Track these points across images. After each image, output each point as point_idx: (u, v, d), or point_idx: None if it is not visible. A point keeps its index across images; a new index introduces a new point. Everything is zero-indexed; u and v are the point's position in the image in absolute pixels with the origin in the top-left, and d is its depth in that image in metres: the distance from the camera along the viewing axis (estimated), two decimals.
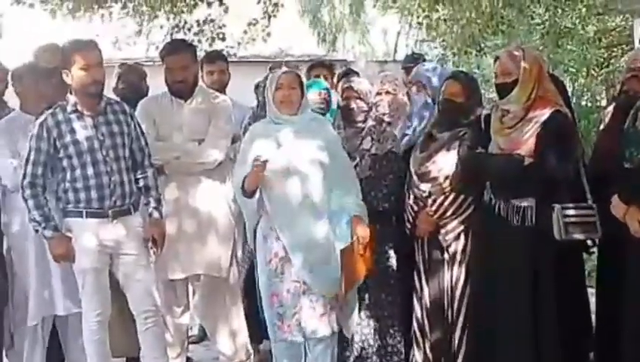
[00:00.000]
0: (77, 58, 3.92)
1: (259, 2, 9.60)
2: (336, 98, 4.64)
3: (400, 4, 12.02)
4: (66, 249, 3.93)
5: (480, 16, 10.13)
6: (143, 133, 4.15)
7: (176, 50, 4.50)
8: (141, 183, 4.12)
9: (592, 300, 4.34)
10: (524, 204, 3.70)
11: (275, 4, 9.64)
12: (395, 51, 17.61)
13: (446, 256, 4.02)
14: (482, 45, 11.07)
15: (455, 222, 3.99)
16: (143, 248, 4.08)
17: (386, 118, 4.42)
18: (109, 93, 4.27)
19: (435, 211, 3.99)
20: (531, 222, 3.68)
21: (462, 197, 3.97)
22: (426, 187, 4.01)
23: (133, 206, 4.06)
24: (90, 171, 3.93)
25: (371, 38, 19.09)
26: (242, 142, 4.20)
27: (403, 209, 4.10)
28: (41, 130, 3.91)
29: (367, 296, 4.13)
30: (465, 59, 11.09)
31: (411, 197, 4.07)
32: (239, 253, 4.66)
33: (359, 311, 4.11)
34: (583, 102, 10.15)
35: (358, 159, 4.17)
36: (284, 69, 4.08)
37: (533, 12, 10.12)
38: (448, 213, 3.98)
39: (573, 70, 9.78)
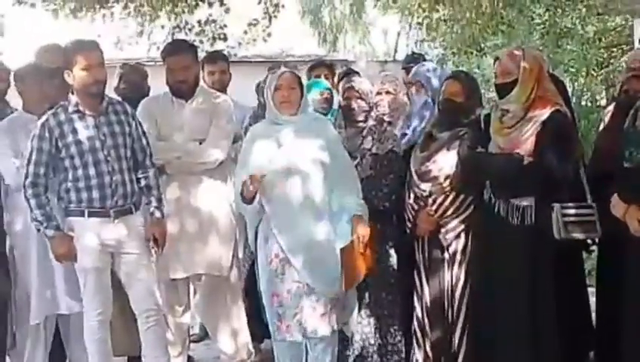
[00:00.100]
0: (79, 58, 3.92)
1: (260, 2, 9.61)
2: (337, 98, 4.65)
3: (400, 4, 12.02)
4: (67, 248, 3.95)
5: (480, 17, 10.13)
6: (144, 133, 4.16)
7: (178, 50, 4.51)
8: (142, 183, 4.13)
9: (592, 299, 4.35)
10: (524, 203, 3.71)
11: (276, 5, 9.66)
12: (396, 51, 17.61)
13: (446, 255, 4.03)
14: (482, 45, 11.07)
15: (455, 222, 3.99)
16: (144, 247, 4.09)
17: (386, 118, 4.43)
18: (110, 93, 4.28)
19: (436, 211, 4.00)
20: (531, 222, 3.69)
21: (462, 196, 3.98)
22: (426, 186, 4.02)
23: (135, 205, 4.07)
24: (92, 171, 3.94)
25: (372, 38, 19.08)
26: (243, 142, 4.21)
27: (403, 208, 4.12)
28: (42, 130, 3.93)
29: (367, 295, 4.13)
30: (465, 59, 11.09)
31: (412, 196, 4.08)
32: (240, 253, 4.66)
33: (360, 311, 4.12)
34: (583, 102, 10.16)
35: (358, 159, 4.17)
36: (283, 69, 4.09)
37: (533, 12, 10.13)
38: (448, 213, 3.99)
39: (573, 70, 9.79)
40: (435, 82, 4.41)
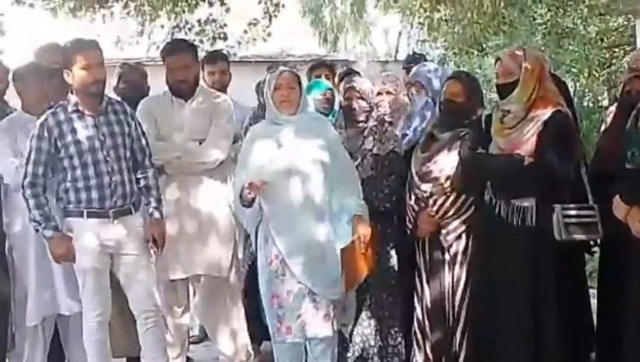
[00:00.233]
0: (78, 58, 3.91)
1: (260, 2, 9.60)
2: (338, 98, 4.64)
3: (401, 4, 12.02)
4: (66, 249, 3.93)
5: (481, 17, 10.12)
6: (143, 133, 4.15)
7: (177, 49, 4.50)
8: (142, 183, 4.12)
9: (594, 301, 4.34)
10: (525, 204, 3.69)
11: (276, 4, 9.65)
12: (397, 51, 17.63)
13: (447, 256, 4.01)
14: (484, 45, 11.08)
15: (456, 223, 3.98)
16: (143, 248, 4.07)
17: (387, 118, 4.42)
18: (110, 92, 4.27)
19: (437, 211, 3.99)
20: (532, 223, 3.68)
21: (463, 197, 3.97)
22: (427, 187, 4.01)
23: (134, 206, 4.06)
24: (91, 171, 3.93)
25: (373, 38, 19.09)
26: (243, 142, 4.19)
27: (404, 209, 4.10)
28: (41, 130, 3.91)
29: (368, 296, 4.12)
30: (466, 60, 11.11)
31: (412, 197, 4.07)
32: (240, 254, 4.65)
33: (360, 312, 4.11)
34: (585, 103, 10.17)
35: (359, 159, 4.16)
36: (282, 68, 4.07)
37: (535, 12, 10.14)
38: (449, 214, 3.98)
39: (575, 70, 9.80)
40: (436, 82, 4.40)
